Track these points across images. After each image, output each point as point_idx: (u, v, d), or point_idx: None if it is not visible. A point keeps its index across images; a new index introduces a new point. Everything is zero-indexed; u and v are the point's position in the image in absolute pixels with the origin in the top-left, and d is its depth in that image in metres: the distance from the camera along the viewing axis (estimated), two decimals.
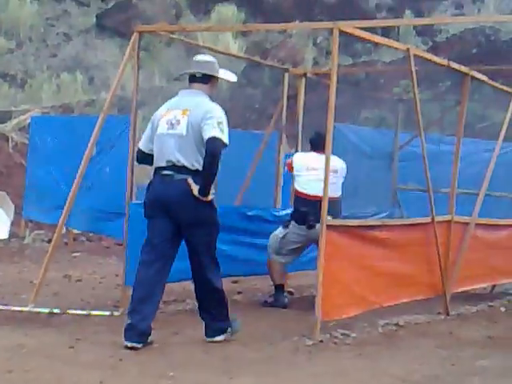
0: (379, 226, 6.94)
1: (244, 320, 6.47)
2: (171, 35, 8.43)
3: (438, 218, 7.60)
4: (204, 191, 5.48)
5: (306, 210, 7.29)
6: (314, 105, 9.95)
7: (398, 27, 16.91)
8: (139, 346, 5.56)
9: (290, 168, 7.72)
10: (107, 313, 6.83)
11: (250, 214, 7.93)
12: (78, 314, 6.80)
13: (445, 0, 19.51)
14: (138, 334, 5.57)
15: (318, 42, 18.89)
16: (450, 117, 11.06)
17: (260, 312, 7.37)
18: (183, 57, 17.98)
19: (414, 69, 7.10)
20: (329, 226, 6.17)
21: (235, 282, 8.61)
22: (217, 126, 5.44)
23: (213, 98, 5.75)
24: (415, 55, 7.25)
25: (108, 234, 9.87)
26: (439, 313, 7.68)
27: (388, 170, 10.24)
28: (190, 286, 7.74)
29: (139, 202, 6.59)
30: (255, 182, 8.88)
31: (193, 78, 5.74)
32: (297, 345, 6.02)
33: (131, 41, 7.11)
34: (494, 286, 9.39)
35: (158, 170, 5.65)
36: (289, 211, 7.97)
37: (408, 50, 7.19)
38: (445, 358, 5.94)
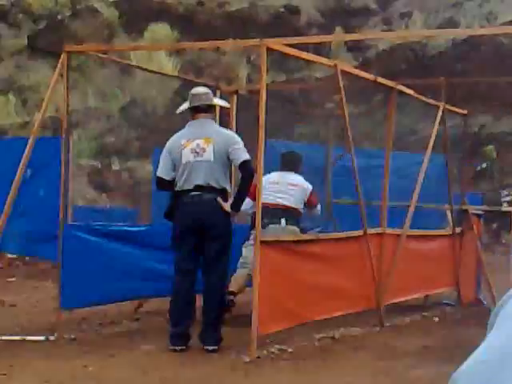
0: (313, 241, 7.03)
1: None
2: (100, 55, 8.42)
3: (371, 231, 7.72)
4: (237, 206, 6.35)
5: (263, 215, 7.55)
6: (249, 121, 10.02)
7: (330, 44, 17.13)
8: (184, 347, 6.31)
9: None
10: (42, 338, 6.74)
11: None
12: (12, 340, 6.70)
13: (374, 16, 19.86)
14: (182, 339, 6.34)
15: (252, 59, 19.00)
16: (381, 131, 11.25)
17: (198, 330, 7.33)
18: (117, 77, 17.90)
19: (341, 84, 7.23)
20: (263, 242, 6.21)
21: None
22: (244, 151, 6.26)
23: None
24: (342, 71, 7.37)
25: (43, 257, 9.74)
26: (374, 325, 7.78)
27: (322, 185, 10.34)
28: (126, 307, 7.74)
29: (75, 223, 6.57)
30: None
31: (196, 109, 6.38)
32: (234, 362, 6.04)
33: (60, 61, 7.08)
34: (427, 297, 9.55)
35: (184, 192, 6.31)
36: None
37: (335, 65, 7.32)
38: (380, 369, 6.03)
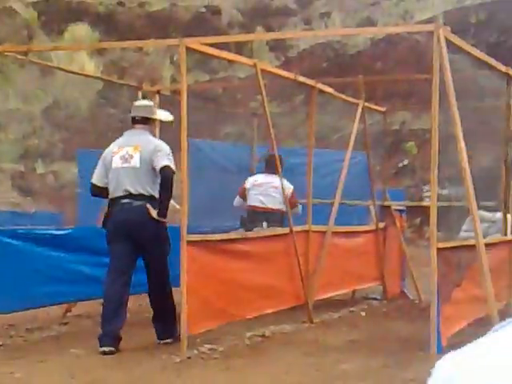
0: (239, 240, 7.06)
1: None
2: (19, 56, 8.27)
3: (296, 229, 7.81)
4: (163, 213, 6.38)
5: (247, 217, 8.55)
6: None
7: (252, 44, 17.23)
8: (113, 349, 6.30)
9: (242, 192, 8.78)
10: None
11: None
12: None
13: (294, 16, 20.06)
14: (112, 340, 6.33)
15: (175, 59, 18.96)
16: (304, 129, 11.39)
17: (129, 333, 7.28)
18: (38, 78, 17.61)
19: (262, 83, 7.29)
20: (189, 242, 6.21)
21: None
22: (166, 157, 6.37)
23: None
24: (263, 70, 7.44)
25: None
26: (304, 321, 7.88)
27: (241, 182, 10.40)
28: (55, 311, 7.64)
29: None
30: None
31: (135, 120, 6.69)
32: (165, 363, 6.02)
33: None
34: (354, 292, 9.72)
35: (116, 199, 6.51)
36: None
37: (255, 64, 7.37)
38: (310, 364, 6.10)
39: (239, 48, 15.23)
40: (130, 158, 6.46)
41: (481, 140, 11.24)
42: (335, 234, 8.56)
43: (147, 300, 8.11)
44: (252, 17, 19.73)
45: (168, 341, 6.63)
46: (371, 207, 9.79)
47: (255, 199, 8.59)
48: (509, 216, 7.98)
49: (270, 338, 7.12)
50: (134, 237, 6.47)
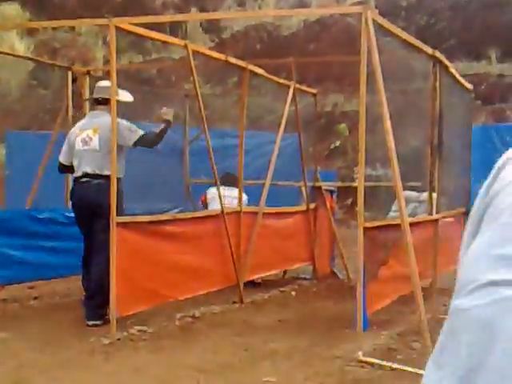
0: (170, 221, 7.05)
1: (42, 326, 6.37)
2: None
3: (227, 210, 7.84)
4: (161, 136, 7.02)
5: None
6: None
7: (186, 25, 17.13)
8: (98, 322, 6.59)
9: (204, 200, 8.99)
10: None
11: (40, 216, 7.80)
12: None
13: None
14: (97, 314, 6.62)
15: (107, 40, 18.74)
16: (237, 111, 11.38)
17: (58, 316, 7.24)
18: None
19: (193, 64, 7.28)
20: (119, 224, 6.19)
21: (31, 287, 8.41)
22: (131, 131, 6.77)
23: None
24: (194, 51, 7.42)
25: None
26: (234, 302, 7.93)
27: (180, 165, 10.39)
28: None
29: None
30: (45, 183, 8.69)
31: (97, 101, 7.04)
32: (94, 346, 6.01)
33: None
34: (285, 272, 9.82)
35: (77, 178, 6.93)
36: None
37: (186, 45, 7.34)
38: (239, 345, 6.16)
39: (174, 30, 15.15)
40: (89, 141, 6.86)
41: (409, 121, 11.42)
42: (266, 214, 8.61)
43: (77, 283, 8.11)
44: None
45: (97, 322, 6.64)
46: (302, 188, 9.87)
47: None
48: (434, 195, 8.14)
49: (200, 318, 7.16)
50: (91, 210, 6.73)
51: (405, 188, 7.55)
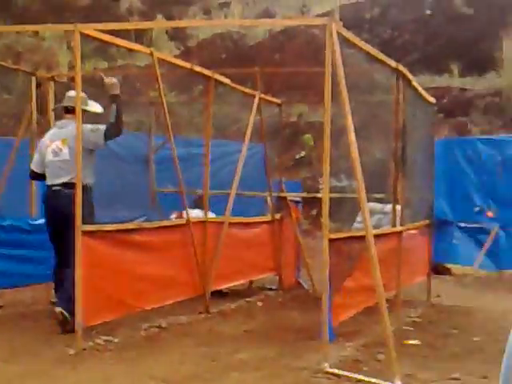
0: (136, 230, 7.02)
1: (6, 335, 6.30)
2: None
3: (193, 219, 7.84)
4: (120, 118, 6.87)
5: None
6: None
7: (151, 32, 17.09)
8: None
9: None
10: None
11: (4, 224, 7.73)
12: None
13: (193, 5, 20.00)
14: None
15: (72, 45, 18.61)
16: (203, 119, 11.39)
17: (23, 326, 7.17)
18: None
19: (158, 72, 7.30)
20: (85, 232, 6.15)
21: None
22: (94, 132, 6.85)
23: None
24: (159, 59, 7.43)
25: None
26: (200, 312, 7.93)
27: (146, 174, 10.35)
28: None
29: None
30: (9, 190, 8.59)
31: (66, 110, 7.15)
32: (60, 355, 5.95)
33: None
34: (251, 282, 9.83)
35: (49, 187, 7.06)
36: (40, 221, 7.86)
37: (151, 53, 7.35)
38: (205, 355, 6.15)
39: (139, 37, 15.10)
40: (59, 152, 7.02)
41: (373, 133, 11.54)
42: (232, 224, 8.63)
43: (41, 292, 8.05)
44: (152, 5, 19.56)
45: (66, 314, 6.63)
46: (268, 198, 9.91)
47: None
48: (398, 207, 8.23)
49: (166, 328, 7.14)
50: (60, 217, 6.82)
51: (369, 200, 7.63)
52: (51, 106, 8.57)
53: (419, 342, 6.89)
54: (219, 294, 8.67)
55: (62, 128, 7.13)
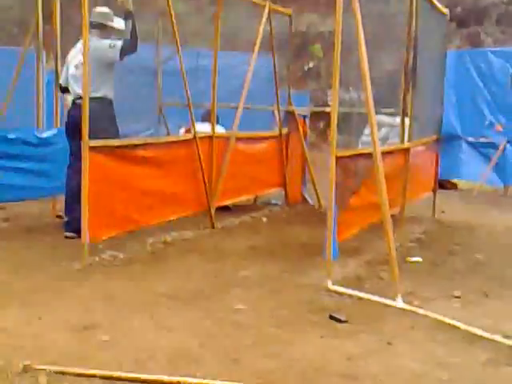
0: (143, 145, 6.99)
1: (12, 248, 6.37)
2: None
3: (200, 134, 7.80)
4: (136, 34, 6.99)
5: None
6: (76, 19, 9.63)
7: None
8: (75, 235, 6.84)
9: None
10: None
11: (10, 136, 7.71)
12: None
13: None
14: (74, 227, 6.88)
15: None
16: (212, 29, 11.18)
17: (29, 239, 7.24)
18: None
19: None
20: (91, 148, 6.13)
21: (1, 208, 8.40)
22: (112, 47, 7.02)
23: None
24: None
25: None
26: (205, 227, 7.98)
27: (152, 86, 10.25)
28: None
29: None
30: (15, 102, 8.53)
31: (92, 25, 7.05)
32: (66, 270, 6.02)
33: None
34: (256, 198, 9.85)
35: (73, 101, 7.25)
36: (53, 132, 7.85)
37: None
38: (210, 271, 6.23)
39: None
40: (81, 66, 6.80)
41: (385, 44, 11.34)
42: (239, 139, 8.59)
43: (48, 205, 8.12)
44: None
45: (73, 235, 6.94)
46: (275, 112, 9.83)
47: None
48: (406, 120, 8.15)
49: (171, 244, 7.21)
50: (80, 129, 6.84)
51: (377, 113, 7.55)
52: (57, 25, 8.37)
53: (421, 259, 6.95)
54: (224, 209, 8.72)
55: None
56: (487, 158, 12.24)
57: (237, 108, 8.53)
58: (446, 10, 9.30)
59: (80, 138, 6.39)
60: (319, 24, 15.87)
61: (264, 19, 9.01)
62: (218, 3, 8.26)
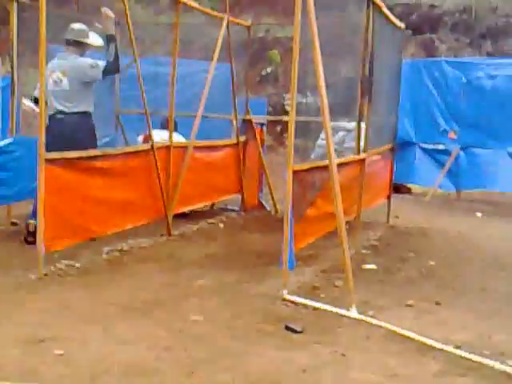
0: (100, 156, 6.99)
1: None
2: None
3: (157, 144, 7.81)
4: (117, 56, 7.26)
5: None
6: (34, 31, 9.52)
7: None
8: None
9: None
10: None
11: None
12: None
13: None
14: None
15: None
16: (169, 37, 11.18)
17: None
18: None
19: None
20: (48, 160, 6.11)
21: None
22: (94, 67, 7.23)
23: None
24: None
25: None
26: (162, 234, 7.99)
27: (110, 94, 10.20)
28: None
29: None
30: None
31: (67, 42, 7.42)
32: (20, 280, 5.97)
33: None
34: (213, 204, 9.89)
35: (52, 115, 7.36)
36: (8, 141, 7.78)
37: None
38: (165, 280, 6.24)
39: None
40: (60, 82, 7.33)
41: (341, 53, 11.46)
42: (197, 148, 8.61)
43: (3, 212, 8.03)
44: None
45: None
46: (233, 121, 9.86)
47: None
48: (362, 124, 8.22)
49: (128, 252, 7.21)
50: (64, 143, 6.96)
51: (334, 121, 7.61)
52: (14, 30, 8.26)
53: (376, 267, 7.05)
54: (181, 216, 8.73)
55: (63, 59, 7.40)
56: (441, 163, 12.48)
57: (195, 116, 8.55)
58: (402, 25, 9.43)
59: (63, 150, 6.60)
60: (277, 29, 15.95)
61: (222, 32, 9.05)
62: (176, 11, 8.27)
